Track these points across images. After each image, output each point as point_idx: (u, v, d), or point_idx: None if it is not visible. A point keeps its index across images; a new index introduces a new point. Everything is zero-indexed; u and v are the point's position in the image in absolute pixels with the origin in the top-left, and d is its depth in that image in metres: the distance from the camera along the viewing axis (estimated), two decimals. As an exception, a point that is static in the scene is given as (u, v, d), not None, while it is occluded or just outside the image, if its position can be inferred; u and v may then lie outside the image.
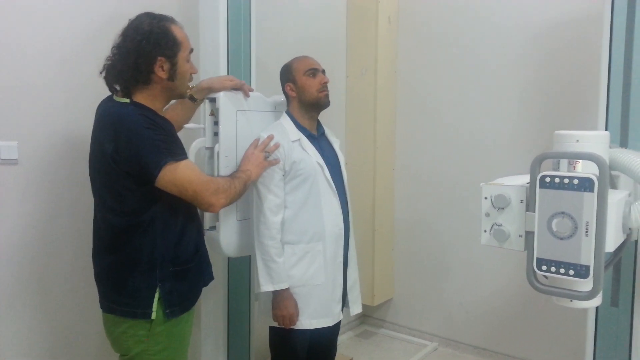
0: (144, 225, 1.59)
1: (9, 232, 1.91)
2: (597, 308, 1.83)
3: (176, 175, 1.55)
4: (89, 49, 2.06)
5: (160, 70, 1.59)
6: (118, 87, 1.64)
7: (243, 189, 1.79)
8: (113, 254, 1.63)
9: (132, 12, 1.67)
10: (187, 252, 1.68)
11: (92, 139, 1.65)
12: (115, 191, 1.59)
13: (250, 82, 2.24)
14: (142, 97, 1.62)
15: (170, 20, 1.65)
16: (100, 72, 1.64)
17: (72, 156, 2.05)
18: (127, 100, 1.60)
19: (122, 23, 1.65)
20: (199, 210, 1.79)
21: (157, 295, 1.60)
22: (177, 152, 1.59)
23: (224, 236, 2.02)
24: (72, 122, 2.05)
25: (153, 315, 1.60)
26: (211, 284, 1.88)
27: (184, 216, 1.68)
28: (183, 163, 1.58)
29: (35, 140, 1.95)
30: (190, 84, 1.80)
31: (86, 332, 2.14)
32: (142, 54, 1.57)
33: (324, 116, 2.20)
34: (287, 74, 2.12)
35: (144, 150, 1.52)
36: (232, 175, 1.81)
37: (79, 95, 2.06)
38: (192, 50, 1.70)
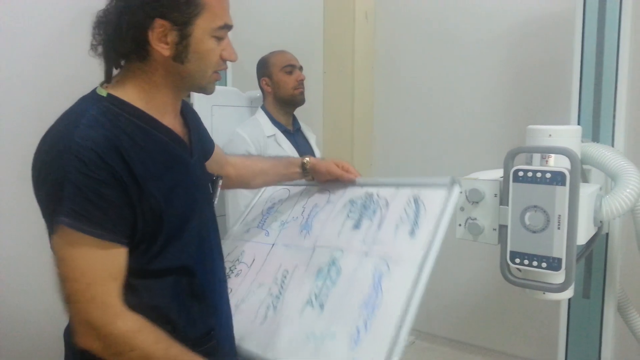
0: None
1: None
2: (569, 300, 1.86)
3: (61, 253, 0.94)
4: (63, 41, 1.99)
5: (160, 42, 1.00)
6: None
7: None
8: None
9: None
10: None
11: None
12: None
13: (225, 76, 2.22)
14: (133, 86, 1.04)
15: None
16: (92, 48, 1.07)
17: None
18: (104, 93, 1.03)
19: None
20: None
21: None
22: (103, 217, 0.94)
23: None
24: (45, 120, 2.00)
25: None
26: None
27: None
28: (87, 239, 0.92)
29: (6, 140, 1.90)
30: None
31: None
32: (133, 11, 0.99)
33: (300, 112, 2.19)
34: (264, 68, 2.10)
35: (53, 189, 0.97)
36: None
37: (53, 91, 2.01)
38: (228, 26, 1.07)
